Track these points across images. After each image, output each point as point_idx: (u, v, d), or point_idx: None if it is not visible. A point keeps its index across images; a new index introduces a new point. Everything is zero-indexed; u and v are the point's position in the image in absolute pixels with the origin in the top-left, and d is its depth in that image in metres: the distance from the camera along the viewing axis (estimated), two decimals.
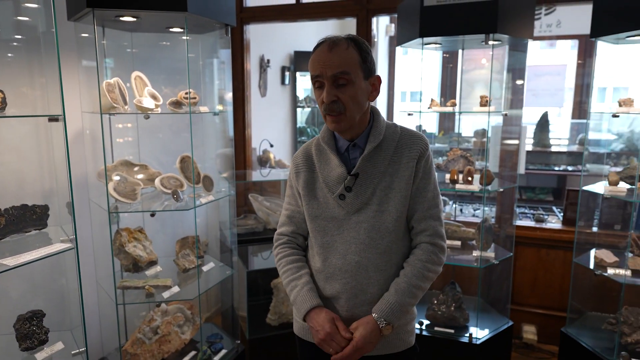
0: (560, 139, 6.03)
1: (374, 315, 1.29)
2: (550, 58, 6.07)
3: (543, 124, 5.87)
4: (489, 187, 2.51)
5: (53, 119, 1.44)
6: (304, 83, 5.23)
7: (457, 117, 4.93)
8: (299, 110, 5.14)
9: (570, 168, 5.45)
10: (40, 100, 1.76)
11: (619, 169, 2.96)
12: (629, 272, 2.33)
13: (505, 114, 2.57)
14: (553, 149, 5.88)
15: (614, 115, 2.31)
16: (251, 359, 2.56)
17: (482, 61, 3.41)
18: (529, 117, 6.11)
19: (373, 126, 1.35)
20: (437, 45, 2.67)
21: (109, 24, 2.16)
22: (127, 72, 2.23)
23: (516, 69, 2.81)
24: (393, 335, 1.37)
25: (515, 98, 2.89)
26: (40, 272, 1.93)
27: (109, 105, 1.94)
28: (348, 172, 1.33)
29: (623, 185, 2.45)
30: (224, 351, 2.43)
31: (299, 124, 5.20)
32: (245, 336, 2.61)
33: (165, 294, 2.10)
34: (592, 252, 2.60)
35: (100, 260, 2.25)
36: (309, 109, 5.37)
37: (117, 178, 2.04)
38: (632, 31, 2.11)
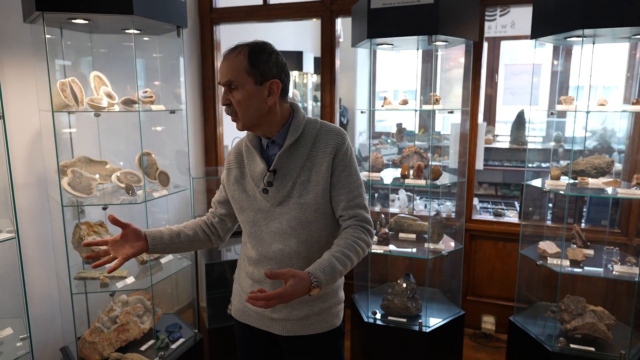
0: (535, 136, 6.14)
1: (309, 272, 1.31)
2: (530, 57, 6.16)
3: (519, 122, 5.98)
4: (436, 182, 2.61)
5: None
6: None
7: (436, 116, 5.03)
8: None
9: (544, 165, 5.56)
10: None
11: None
12: (566, 262, 2.44)
13: (451, 112, 2.68)
14: (530, 146, 6.00)
15: (552, 113, 2.41)
16: (210, 348, 2.66)
17: (450, 63, 3.52)
18: (506, 115, 6.22)
19: (291, 123, 1.43)
20: (390, 46, 2.77)
21: (66, 26, 2.25)
22: (89, 72, 2.33)
23: (470, 70, 2.91)
24: (319, 317, 1.47)
25: (471, 96, 2.99)
26: None
27: (62, 103, 2.03)
28: (268, 168, 1.43)
29: (565, 180, 2.56)
30: (181, 340, 2.54)
31: None
32: (206, 326, 2.71)
33: (120, 284, 2.20)
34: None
35: (59, 253, 2.34)
36: None
37: (72, 174, 2.14)
38: (567, 32, 2.22)
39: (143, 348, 2.43)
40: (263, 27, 4.67)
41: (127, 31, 2.32)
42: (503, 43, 5.55)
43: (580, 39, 2.31)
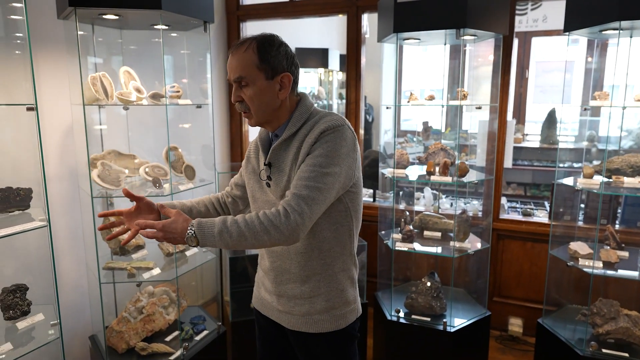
0: (567, 135, 5.95)
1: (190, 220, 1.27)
2: (563, 54, 5.97)
3: (550, 121, 5.81)
4: (463, 179, 2.56)
5: (30, 108, 1.58)
6: (306, 79, 5.34)
7: (463, 113, 4.94)
8: None
9: (575, 165, 5.39)
10: (26, 93, 1.91)
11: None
12: (599, 264, 2.36)
13: (479, 107, 2.62)
14: (561, 145, 5.82)
15: (585, 109, 2.33)
16: (233, 340, 2.68)
17: (479, 59, 3.44)
18: (537, 114, 6.05)
19: (292, 116, 1.39)
20: (417, 41, 2.73)
21: (97, 22, 2.31)
22: (119, 67, 2.38)
23: (500, 65, 2.84)
24: (321, 316, 1.43)
25: (500, 92, 2.92)
26: (30, 250, 2.10)
27: (93, 97, 2.09)
28: None
29: (598, 178, 2.47)
30: (205, 332, 2.57)
31: None
32: (229, 319, 2.73)
33: (146, 275, 2.24)
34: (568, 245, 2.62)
35: (89, 244, 2.41)
36: None
37: (101, 166, 2.19)
38: (602, 25, 2.14)
39: (168, 339, 2.47)
40: (288, 23, 4.68)
41: (155, 27, 2.36)
42: (534, 39, 5.40)
43: (616, 32, 2.22)
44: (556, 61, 5.92)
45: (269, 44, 1.33)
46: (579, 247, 2.51)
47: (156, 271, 2.30)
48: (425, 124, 4.44)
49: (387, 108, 2.71)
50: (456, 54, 3.29)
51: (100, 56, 2.53)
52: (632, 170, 2.44)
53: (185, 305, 2.67)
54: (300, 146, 1.35)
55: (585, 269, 2.33)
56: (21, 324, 1.77)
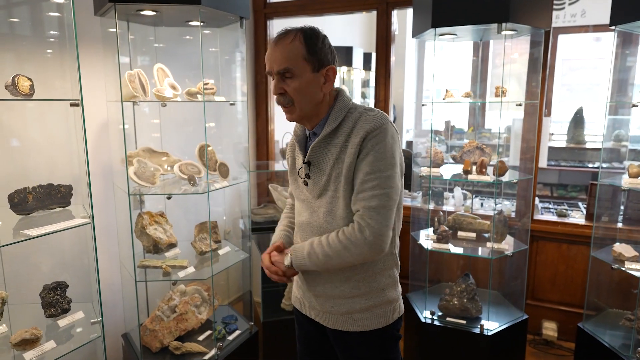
0: (595, 135, 5.81)
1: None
2: (591, 52, 5.84)
3: (577, 120, 5.68)
4: (502, 178, 2.49)
5: (74, 104, 1.57)
6: None
7: (486, 112, 4.85)
8: None
9: (604, 165, 5.26)
10: (68, 90, 1.90)
11: None
12: None
13: (520, 104, 2.54)
14: (588, 145, 5.69)
15: (634, 105, 2.25)
16: (264, 340, 2.65)
17: (513, 55, 3.36)
18: (563, 113, 5.93)
19: (331, 113, 1.35)
20: (453, 36, 2.66)
21: (132, 19, 2.30)
22: (152, 64, 2.37)
23: (538, 61, 2.76)
24: (361, 315, 1.40)
25: (536, 90, 2.84)
26: (68, 248, 2.09)
27: (130, 94, 2.07)
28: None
29: None
30: (238, 332, 2.54)
31: None
32: (260, 319, 2.70)
33: (181, 274, 2.22)
34: (612, 247, 2.53)
35: (123, 242, 2.40)
36: None
37: (137, 163, 2.18)
38: None
39: (200, 338, 2.45)
40: (311, 21, 4.65)
41: (190, 23, 2.34)
42: (560, 37, 5.28)
43: None
44: (584, 59, 5.79)
45: (315, 36, 1.30)
46: (624, 249, 2.42)
47: (191, 270, 2.28)
48: (447, 123, 4.38)
49: (423, 105, 2.65)
50: (484, 50, 3.21)
51: (134, 53, 2.52)
52: None
53: (217, 304, 2.65)
54: (344, 145, 1.31)
55: (633, 272, 2.24)
56: (62, 322, 1.76)
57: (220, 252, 2.53)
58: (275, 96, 1.34)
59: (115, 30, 1.95)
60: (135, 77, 2.09)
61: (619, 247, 2.45)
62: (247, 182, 2.58)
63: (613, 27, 2.29)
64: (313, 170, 1.37)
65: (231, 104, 2.45)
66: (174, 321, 2.41)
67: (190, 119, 2.77)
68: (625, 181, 2.37)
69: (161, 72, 2.33)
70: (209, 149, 2.57)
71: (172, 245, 2.47)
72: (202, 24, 2.13)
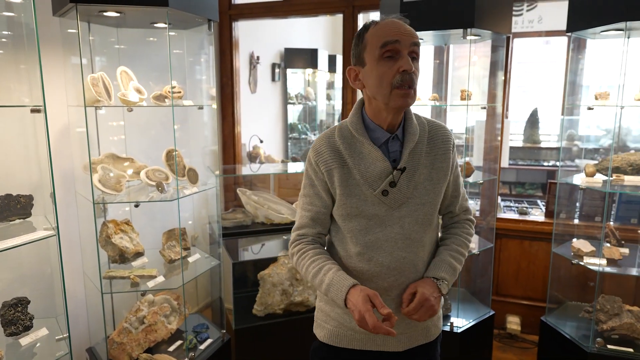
0: (549, 135, 6.10)
1: (429, 276, 1.29)
2: (543, 55, 6.12)
3: (533, 121, 5.94)
4: (469, 179, 2.56)
5: (35, 110, 1.48)
6: (295, 80, 5.29)
7: (447, 114, 4.99)
8: (289, 106, 5.19)
9: (559, 163, 5.52)
10: (25, 94, 1.80)
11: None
12: (604, 261, 2.39)
13: (484, 107, 2.63)
14: (542, 144, 5.96)
15: (589, 108, 2.37)
16: (237, 348, 2.60)
17: (474, 58, 3.46)
18: (519, 114, 6.17)
19: (408, 117, 1.29)
20: (420, 41, 2.71)
21: (94, 20, 2.20)
22: (114, 67, 2.28)
23: (499, 65, 2.86)
24: (432, 322, 1.38)
25: (498, 93, 2.94)
26: (27, 261, 1.98)
27: (93, 98, 1.98)
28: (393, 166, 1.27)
29: (600, 177, 2.51)
30: (209, 340, 2.49)
31: (290, 121, 5.26)
32: (232, 326, 2.66)
33: (150, 284, 2.15)
34: (571, 243, 2.66)
35: (87, 252, 2.30)
36: (301, 106, 5.43)
37: (102, 170, 2.09)
38: (605, 25, 2.17)
39: (171, 349, 2.38)
40: (277, 23, 4.63)
41: (156, 25, 2.27)
42: (516, 40, 5.50)
43: (617, 32, 2.26)
44: (536, 62, 6.05)
45: None
46: (582, 245, 2.54)
47: (160, 279, 2.21)
48: None
49: None
50: (445, 54, 3.31)
51: (95, 55, 2.41)
52: (631, 169, 2.49)
53: (187, 313, 2.58)
54: (431, 150, 1.29)
55: (590, 267, 2.36)
56: (24, 340, 1.66)
57: (190, 259, 2.47)
58: (392, 76, 1.16)
59: (76, 31, 1.86)
60: (98, 80, 2.01)
61: (577, 243, 2.57)
62: (216, 187, 2.53)
63: (569, 34, 2.40)
64: (404, 177, 1.25)
65: (199, 108, 2.39)
66: (142, 332, 2.33)
67: (155, 123, 2.69)
68: (582, 180, 2.49)
69: (125, 75, 2.25)
70: (178, 153, 2.50)
71: (139, 254, 2.39)
72: (169, 25, 2.07)
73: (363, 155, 1.26)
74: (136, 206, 2.11)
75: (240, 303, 2.82)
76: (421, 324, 1.35)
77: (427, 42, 2.85)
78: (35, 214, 1.77)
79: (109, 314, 2.52)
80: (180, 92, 2.33)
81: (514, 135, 6.21)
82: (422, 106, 2.72)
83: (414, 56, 1.19)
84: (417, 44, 1.18)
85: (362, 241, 1.28)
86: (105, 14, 1.98)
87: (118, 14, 2.00)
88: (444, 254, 1.34)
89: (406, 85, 1.17)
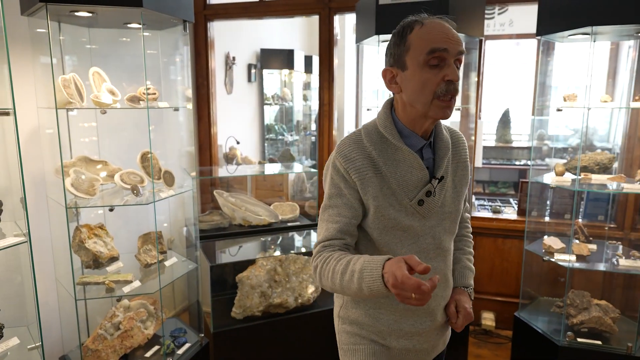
0: (520, 134, 6.26)
1: (460, 286, 1.35)
2: (515, 57, 6.28)
3: (505, 121, 6.09)
4: None
5: (4, 113, 1.44)
6: (271, 80, 5.27)
7: None
8: (266, 107, 5.17)
9: (530, 163, 5.68)
10: None
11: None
12: (573, 257, 2.48)
13: (459, 109, 2.68)
14: (514, 144, 6.11)
15: (558, 110, 2.44)
16: (215, 352, 2.58)
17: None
18: (491, 114, 6.32)
19: (437, 123, 1.25)
20: None
21: (64, 19, 2.15)
22: (86, 68, 2.23)
23: (472, 67, 2.92)
24: (447, 325, 1.37)
25: (471, 95, 3.00)
26: None
27: (65, 100, 1.94)
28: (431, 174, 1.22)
29: (569, 176, 2.60)
30: (187, 345, 2.46)
31: (266, 122, 5.24)
32: (210, 330, 2.63)
33: (126, 289, 2.11)
34: (542, 240, 2.74)
35: (59, 257, 2.24)
36: (277, 107, 5.42)
37: (74, 174, 2.04)
38: (572, 30, 2.25)
39: (148, 355, 2.34)
40: (253, 23, 4.60)
41: (130, 25, 2.23)
42: (487, 42, 5.63)
43: (584, 36, 2.35)
44: (506, 63, 6.20)
45: None
46: (553, 241, 2.63)
47: (136, 284, 2.17)
48: None
49: (368, 110, 2.71)
50: None
51: (65, 55, 2.35)
52: (598, 168, 2.58)
53: (165, 317, 2.55)
54: (454, 157, 1.28)
55: (561, 263, 2.44)
56: None
57: (167, 263, 2.44)
58: (435, 85, 1.10)
59: (45, 31, 1.82)
60: (70, 82, 1.96)
61: (548, 240, 2.65)
62: (193, 190, 2.50)
63: (538, 37, 2.48)
64: (440, 186, 1.21)
65: (175, 110, 2.36)
66: (118, 339, 2.28)
67: (128, 125, 2.64)
68: (552, 179, 2.57)
69: (97, 76, 2.20)
70: (153, 156, 2.47)
71: (114, 259, 2.34)
72: (143, 26, 2.04)
73: (398, 162, 1.18)
74: (110, 210, 2.07)
75: (218, 306, 2.80)
76: (444, 333, 1.38)
77: None
78: (4, 220, 1.71)
79: (83, 321, 2.47)
80: (155, 93, 2.29)
81: (487, 135, 6.35)
82: None
83: (458, 65, 1.13)
84: (463, 53, 1.13)
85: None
86: (76, 14, 1.93)
87: (90, 14, 1.96)
88: (464, 260, 1.37)
89: (449, 96, 1.11)
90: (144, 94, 2.17)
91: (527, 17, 2.40)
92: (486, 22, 4.07)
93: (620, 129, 3.26)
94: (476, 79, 2.92)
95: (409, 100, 1.15)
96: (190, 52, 3.59)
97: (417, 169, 1.18)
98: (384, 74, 1.19)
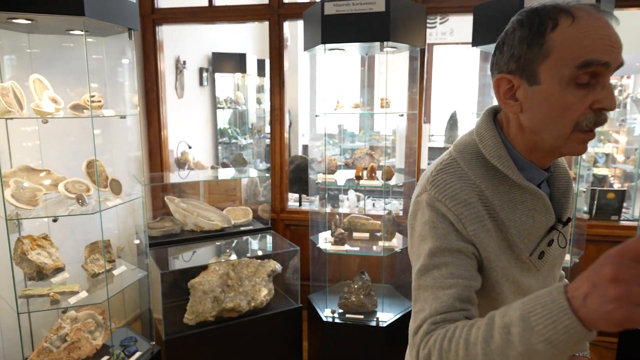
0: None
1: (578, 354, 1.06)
2: (461, 60, 6.56)
3: (452, 122, 6.36)
4: (390, 182, 2.73)
5: None
6: (224, 84, 5.26)
7: (374, 116, 5.23)
8: (219, 111, 5.16)
9: None
10: None
11: None
12: None
13: (402, 115, 2.81)
14: None
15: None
16: (167, 359, 2.58)
17: (395, 67, 3.66)
18: (441, 116, 6.58)
19: None
20: (342, 51, 2.85)
21: (2, 26, 2.09)
22: (26, 74, 2.17)
23: (417, 74, 3.06)
24: None
25: (416, 99, 3.15)
26: None
27: (3, 109, 1.89)
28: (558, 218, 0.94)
29: None
30: (138, 353, 2.44)
31: (220, 125, 5.22)
32: (162, 337, 2.62)
33: (72, 300, 2.08)
34: None
35: (0, 271, 2.17)
36: (230, 110, 5.41)
37: (14, 184, 1.99)
38: None
39: None
40: (204, 27, 4.59)
41: (72, 32, 2.19)
42: (435, 48, 5.89)
43: None
44: (454, 67, 6.49)
45: None
46: None
47: (83, 294, 2.14)
48: (340, 127, 4.66)
49: (317, 116, 2.79)
50: (369, 62, 3.49)
51: (3, 62, 2.28)
52: None
53: (114, 327, 2.51)
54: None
55: None
56: None
57: (115, 272, 2.41)
58: (582, 112, 0.78)
59: None
60: (8, 90, 1.91)
61: None
62: (141, 197, 2.49)
63: (474, 47, 2.64)
64: (564, 230, 0.94)
65: (122, 118, 2.34)
66: (65, 351, 2.24)
67: (74, 132, 2.59)
68: None
69: (39, 83, 2.16)
70: (99, 163, 2.43)
71: (59, 270, 2.30)
72: (85, 32, 2.02)
73: (515, 204, 0.88)
74: (54, 221, 2.03)
75: (171, 313, 2.79)
76: None
77: (350, 52, 2.99)
78: None
79: (26, 335, 2.40)
80: (100, 101, 2.27)
81: (437, 137, 6.62)
82: (348, 114, 2.85)
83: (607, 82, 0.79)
84: (622, 65, 0.78)
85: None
86: (15, 21, 1.89)
87: (30, 22, 1.92)
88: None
89: (593, 129, 0.80)
90: (88, 102, 2.14)
91: (466, 26, 2.55)
92: (429, 30, 4.26)
93: None
94: (419, 86, 3.06)
95: (533, 126, 0.84)
96: (138, 56, 3.54)
97: (542, 212, 0.89)
98: (498, 83, 0.86)
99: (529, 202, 0.88)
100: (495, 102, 0.95)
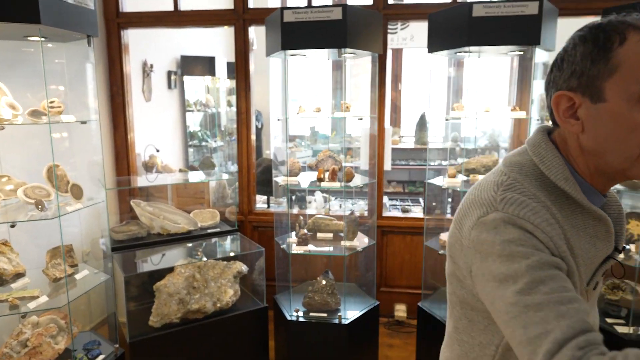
0: (436, 136, 6.73)
1: None
2: (430, 64, 6.72)
3: (421, 124, 6.51)
4: (350, 184, 2.81)
5: None
6: (194, 87, 5.27)
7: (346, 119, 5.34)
8: (189, 114, 5.17)
9: (444, 163, 6.13)
10: None
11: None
12: None
13: (361, 119, 2.90)
14: (430, 145, 6.56)
15: (446, 119, 2.73)
16: None
17: (367, 68, 3.75)
18: (411, 117, 6.72)
19: None
20: (303, 56, 2.92)
21: None
22: None
23: (377, 78, 3.16)
24: None
25: (378, 104, 3.25)
26: None
27: None
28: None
29: (461, 177, 2.90)
30: (101, 357, 2.46)
31: (191, 128, 5.23)
32: (126, 340, 2.64)
33: (32, 305, 2.09)
34: (439, 236, 3.03)
35: None
36: (201, 113, 5.42)
37: None
38: (455, 49, 2.53)
39: None
40: (171, 31, 4.60)
41: (30, 39, 2.20)
42: (405, 51, 6.02)
43: (467, 53, 2.65)
44: (423, 69, 6.64)
45: None
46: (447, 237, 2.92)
47: (43, 299, 2.16)
48: (312, 129, 4.73)
49: (278, 120, 2.85)
50: (338, 65, 3.58)
51: None
52: (484, 170, 2.91)
53: (77, 331, 2.53)
54: None
55: None
56: None
57: (77, 276, 2.43)
58: None
59: None
60: None
61: (444, 236, 2.94)
62: (104, 202, 2.51)
63: (430, 53, 2.75)
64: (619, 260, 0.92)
65: (82, 123, 2.36)
66: (25, 356, 2.25)
67: (34, 137, 2.59)
68: (445, 181, 2.86)
69: None
70: (60, 168, 2.44)
71: (19, 275, 2.31)
72: (43, 39, 2.04)
73: (578, 230, 0.83)
74: (12, 226, 2.04)
75: (136, 316, 2.81)
76: None
77: (311, 57, 3.06)
78: None
79: None
80: (60, 106, 2.28)
81: (407, 138, 6.75)
82: (310, 118, 2.92)
83: None
84: None
85: None
86: None
87: None
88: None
89: None
90: (46, 108, 2.16)
91: (425, 32, 2.67)
92: (390, 36, 4.38)
93: (507, 133, 3.68)
94: (379, 90, 3.16)
95: (596, 147, 0.79)
96: (104, 60, 3.54)
97: (604, 239, 0.85)
98: (558, 100, 0.81)
99: (591, 228, 0.83)
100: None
